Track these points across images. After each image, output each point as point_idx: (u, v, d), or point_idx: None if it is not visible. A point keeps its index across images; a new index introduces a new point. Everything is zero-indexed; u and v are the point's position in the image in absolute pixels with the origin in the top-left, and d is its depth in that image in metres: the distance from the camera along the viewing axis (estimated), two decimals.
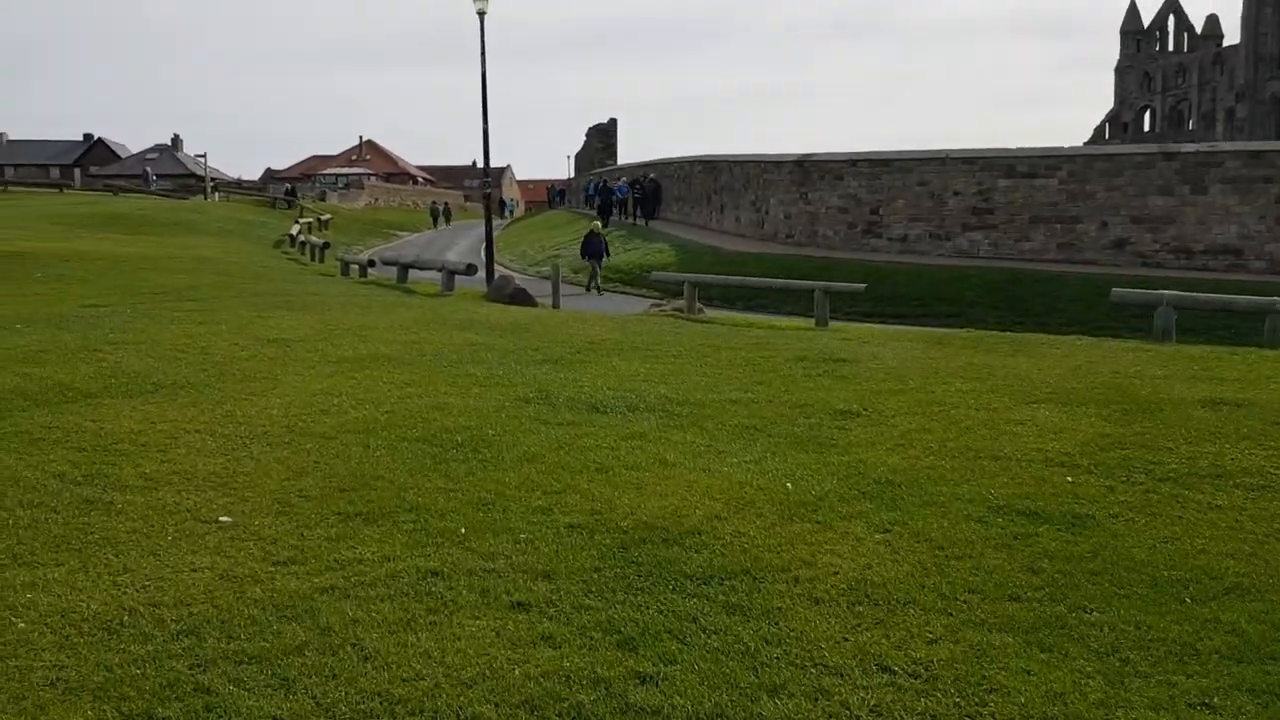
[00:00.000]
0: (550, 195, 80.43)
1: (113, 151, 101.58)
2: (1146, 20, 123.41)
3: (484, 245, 49.19)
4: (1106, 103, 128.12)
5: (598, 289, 25.29)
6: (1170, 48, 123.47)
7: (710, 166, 36.00)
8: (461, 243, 50.59)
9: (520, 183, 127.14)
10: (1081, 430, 7.94)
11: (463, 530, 5.41)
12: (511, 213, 78.41)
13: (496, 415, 8.29)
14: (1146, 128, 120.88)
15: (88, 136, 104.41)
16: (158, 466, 6.65)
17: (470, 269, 21.25)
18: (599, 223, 27.79)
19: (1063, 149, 23.73)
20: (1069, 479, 6.68)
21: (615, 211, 46.28)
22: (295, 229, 39.62)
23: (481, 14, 21.99)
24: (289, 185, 62.82)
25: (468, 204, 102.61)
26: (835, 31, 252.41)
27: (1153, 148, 23.23)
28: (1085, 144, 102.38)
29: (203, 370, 10.02)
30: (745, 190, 31.93)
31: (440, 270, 21.55)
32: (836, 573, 4.95)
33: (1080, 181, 22.78)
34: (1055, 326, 19.52)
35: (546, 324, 14.78)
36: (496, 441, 7.42)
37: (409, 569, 4.85)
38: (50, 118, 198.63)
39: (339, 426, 7.85)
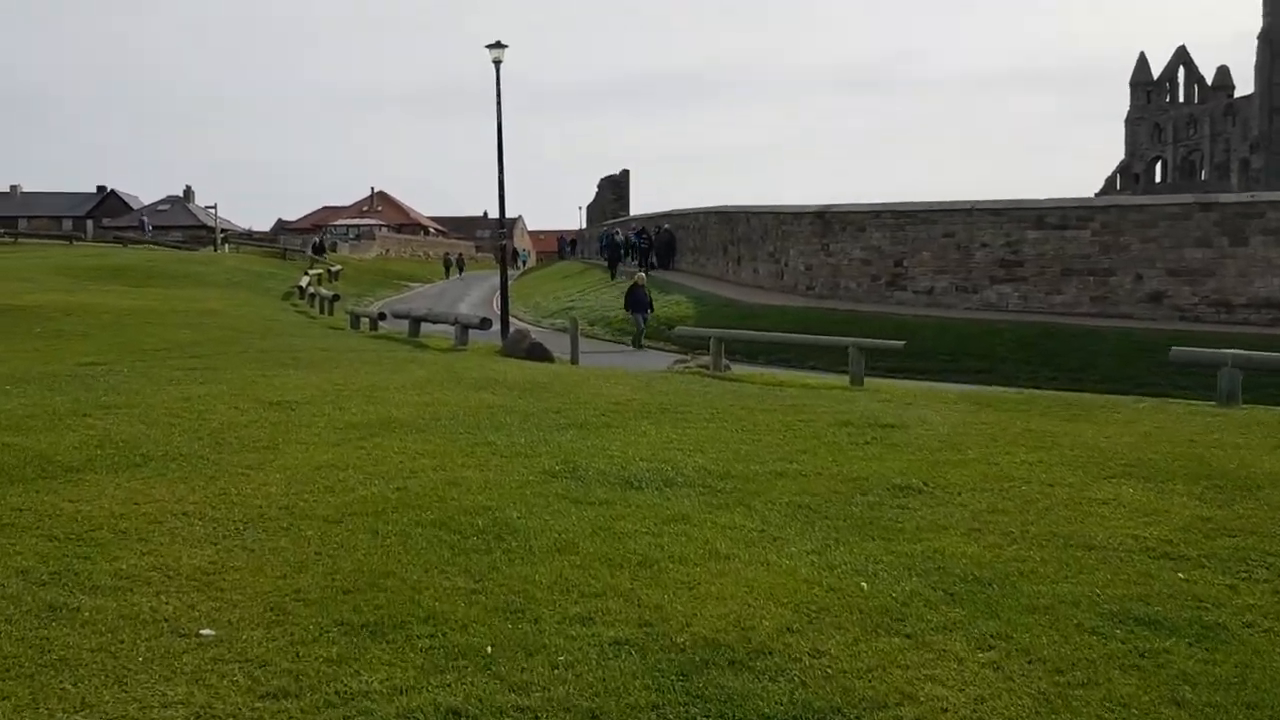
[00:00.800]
0: (561, 246, 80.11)
1: (125, 203, 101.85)
2: (1156, 72, 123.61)
3: (497, 296, 48.87)
4: (1109, 155, 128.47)
5: (639, 344, 24.13)
6: (1180, 99, 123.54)
7: (726, 217, 35.41)
8: (474, 293, 50.04)
9: (531, 233, 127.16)
10: (1175, 512, 7.07)
11: (489, 649, 4.56)
12: (524, 263, 78.07)
13: (520, 493, 7.46)
14: (1158, 178, 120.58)
15: (101, 188, 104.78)
16: (137, 560, 5.82)
17: (485, 323, 20.51)
18: (642, 274, 26.38)
19: (1095, 200, 23.03)
20: (1180, 575, 5.81)
21: (635, 261, 45.66)
22: (305, 280, 39.06)
23: (497, 63, 21.47)
24: (318, 240, 62.32)
25: (479, 254, 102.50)
26: (840, 87, 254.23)
27: (1189, 198, 22.50)
28: (1097, 195, 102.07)
29: (198, 439, 9.22)
30: (763, 241, 31.28)
31: (454, 324, 20.82)
32: (945, 709, 4.08)
33: (1114, 233, 22.04)
34: (1091, 383, 18.69)
35: (567, 382, 13.99)
36: (523, 526, 6.58)
37: (426, 706, 4.00)
38: (64, 170, 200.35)
39: (345, 507, 7.02)
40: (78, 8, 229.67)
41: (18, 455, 8.33)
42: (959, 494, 7.69)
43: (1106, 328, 21.06)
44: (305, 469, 8.15)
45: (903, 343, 15.29)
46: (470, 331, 20.60)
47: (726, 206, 36.06)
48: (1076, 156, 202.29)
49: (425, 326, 22.45)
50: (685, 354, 18.52)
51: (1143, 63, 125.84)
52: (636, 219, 53.34)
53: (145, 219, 71.61)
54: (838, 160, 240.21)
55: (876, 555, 6.14)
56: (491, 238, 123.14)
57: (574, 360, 17.96)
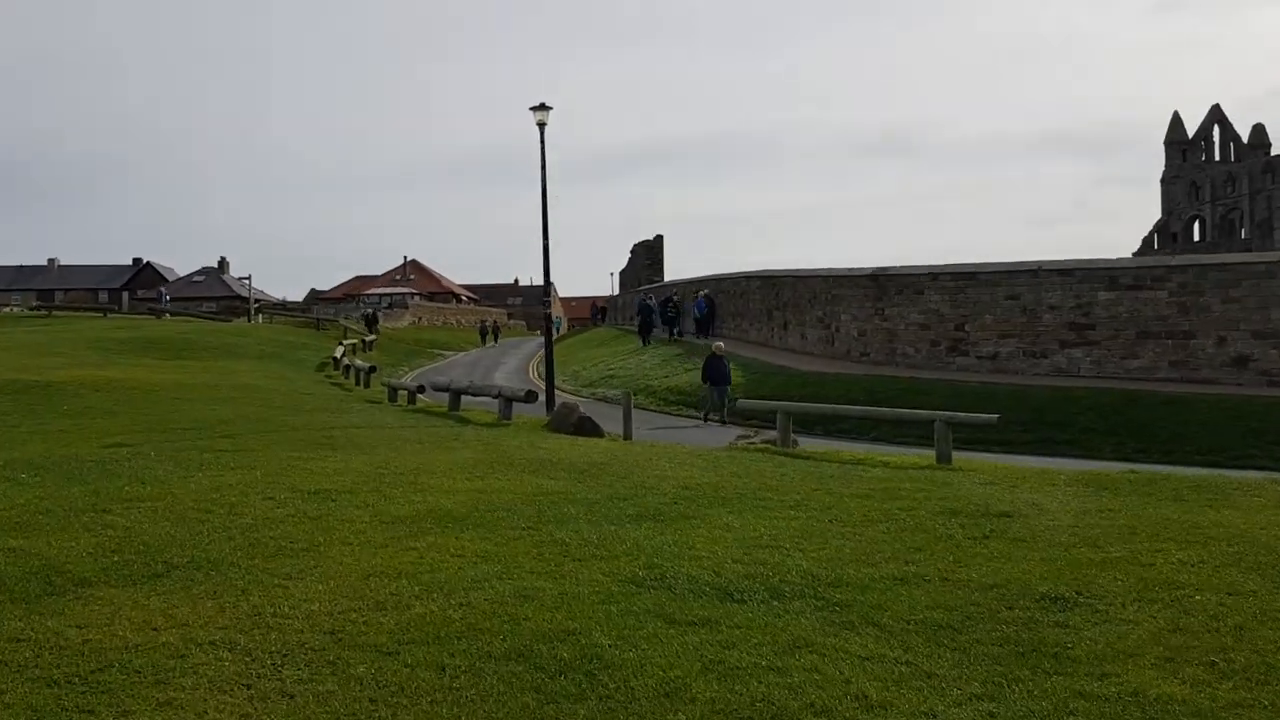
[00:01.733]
0: (594, 312, 79.44)
1: (160, 274, 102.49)
2: (1190, 130, 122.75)
3: (533, 364, 48.01)
4: (1139, 217, 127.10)
5: (722, 420, 21.67)
6: (1216, 157, 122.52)
7: (770, 281, 34.41)
8: (509, 361, 49.17)
9: (563, 299, 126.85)
10: None
11: None
12: (558, 330, 77.36)
13: (604, 609, 6.30)
14: (1196, 238, 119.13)
15: (137, 260, 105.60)
16: (151, 714, 4.70)
17: (530, 395, 19.46)
18: (720, 343, 24.29)
19: (1172, 259, 21.84)
20: None
21: (666, 328, 44.70)
22: (339, 351, 38.34)
23: (542, 125, 20.72)
24: (370, 311, 62.02)
25: (511, 321, 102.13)
26: (869, 151, 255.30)
27: (1274, 256, 21.25)
28: (1134, 255, 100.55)
29: (229, 539, 8.14)
30: (811, 306, 30.20)
31: (497, 397, 19.78)
32: None
33: (1193, 294, 20.80)
34: (1184, 455, 17.31)
35: (626, 464, 12.87)
36: (616, 659, 5.43)
37: None
38: (102, 243, 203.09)
39: (400, 631, 5.89)
40: (118, 80, 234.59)
41: (23, 564, 7.27)
42: (1122, 606, 6.47)
43: (1193, 395, 19.71)
44: (351, 578, 7.04)
45: (996, 416, 14.07)
46: (514, 405, 19.56)
47: (770, 270, 35.08)
48: (1107, 219, 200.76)
49: (466, 399, 21.45)
50: (748, 429, 17.34)
51: (1177, 122, 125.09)
52: (673, 284, 52.46)
53: (162, 290, 71.54)
54: (867, 225, 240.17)
55: (1065, 700, 4.93)
56: (524, 305, 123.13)
57: (627, 436, 16.85)
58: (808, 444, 16.19)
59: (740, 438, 15.67)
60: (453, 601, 6.46)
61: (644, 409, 26.61)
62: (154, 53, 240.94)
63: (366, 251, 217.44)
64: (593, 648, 5.59)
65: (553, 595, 6.61)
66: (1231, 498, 9.91)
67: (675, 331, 40.94)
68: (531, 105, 20.55)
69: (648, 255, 70.78)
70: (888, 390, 22.45)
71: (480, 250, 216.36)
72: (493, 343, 64.70)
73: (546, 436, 16.90)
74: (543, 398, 20.88)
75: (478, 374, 40.38)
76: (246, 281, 66.60)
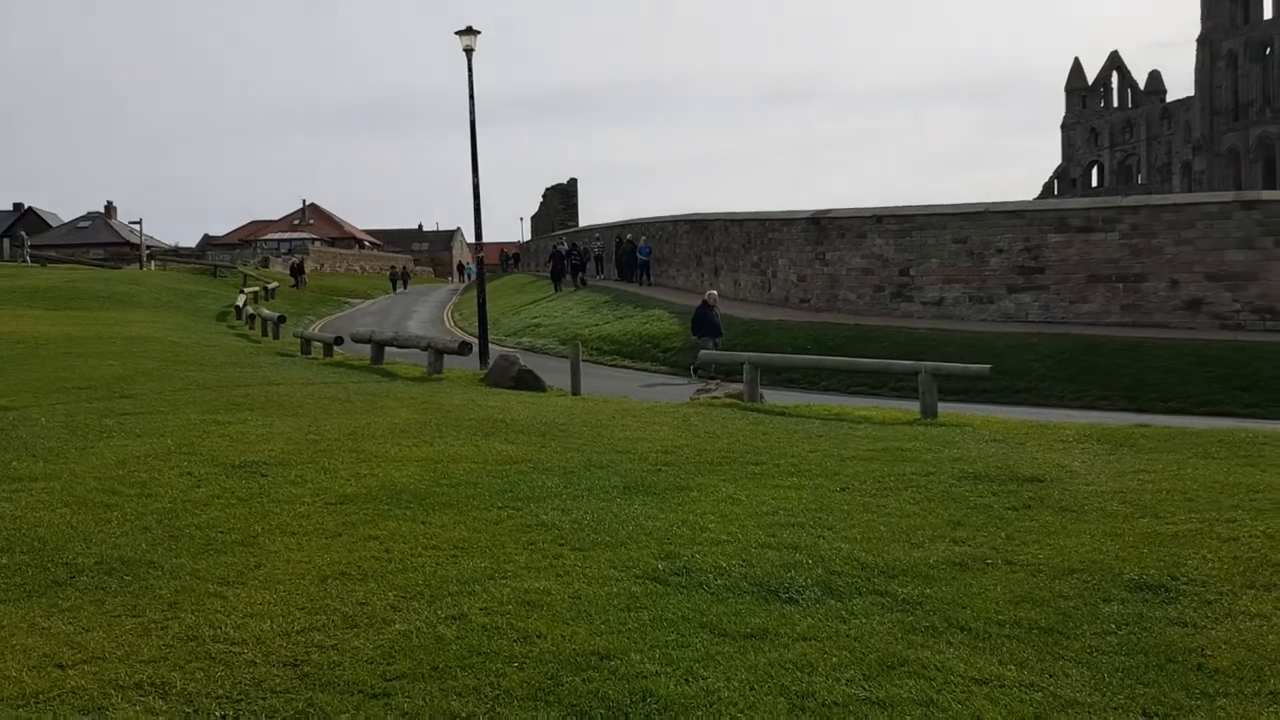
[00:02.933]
0: (504, 259, 77.45)
1: (44, 220, 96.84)
2: (1090, 77, 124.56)
3: (447, 312, 46.07)
4: (1034, 163, 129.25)
5: (712, 375, 19.25)
6: (1115, 104, 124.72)
7: (700, 226, 33.23)
8: (422, 309, 47.28)
9: (470, 245, 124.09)
10: None
11: None
12: (469, 276, 75.11)
13: (633, 619, 5.10)
14: (1095, 183, 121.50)
15: (18, 205, 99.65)
16: None
17: (465, 347, 18.01)
18: (713, 292, 22.28)
19: (1123, 200, 21.25)
20: None
21: (572, 275, 43.37)
22: (241, 299, 36.07)
23: (469, 50, 19.01)
24: (298, 260, 58.53)
25: (418, 268, 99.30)
26: (771, 98, 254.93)
27: (1228, 196, 20.81)
28: (1036, 199, 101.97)
29: (144, 530, 6.70)
30: (745, 251, 29.14)
31: (426, 349, 18.27)
32: None
33: (1145, 235, 20.24)
34: (1147, 402, 16.80)
35: (586, 422, 11.63)
36: (674, 696, 4.23)
37: None
38: None
39: (384, 660, 4.60)
40: None
41: None
42: (1234, 595, 5.51)
43: (1146, 340, 19.19)
44: (305, 581, 5.70)
45: (988, 367, 13.15)
46: (445, 357, 18.10)
47: (699, 213, 33.88)
48: (1005, 165, 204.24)
49: (390, 351, 19.89)
50: (707, 383, 16.17)
51: (1077, 69, 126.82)
52: (593, 229, 50.97)
53: (23, 234, 66.62)
54: (769, 172, 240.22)
55: None
56: (430, 250, 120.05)
57: (575, 390, 15.58)
58: (782, 400, 15.10)
59: (700, 390, 14.53)
60: (441, 613, 5.18)
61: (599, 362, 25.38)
62: None
63: (261, 196, 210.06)
64: (638, 679, 4.38)
65: (563, 600, 5.38)
66: (1265, 453, 9.11)
67: (580, 279, 41.18)
68: (457, 29, 18.84)
69: (562, 200, 68.95)
70: (834, 337, 21.57)
71: (382, 195, 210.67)
72: (403, 289, 62.49)
73: (486, 392, 15.56)
74: (474, 350, 19.40)
75: (390, 323, 38.50)
76: (137, 227, 62.89)
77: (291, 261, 57.86)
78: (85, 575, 5.77)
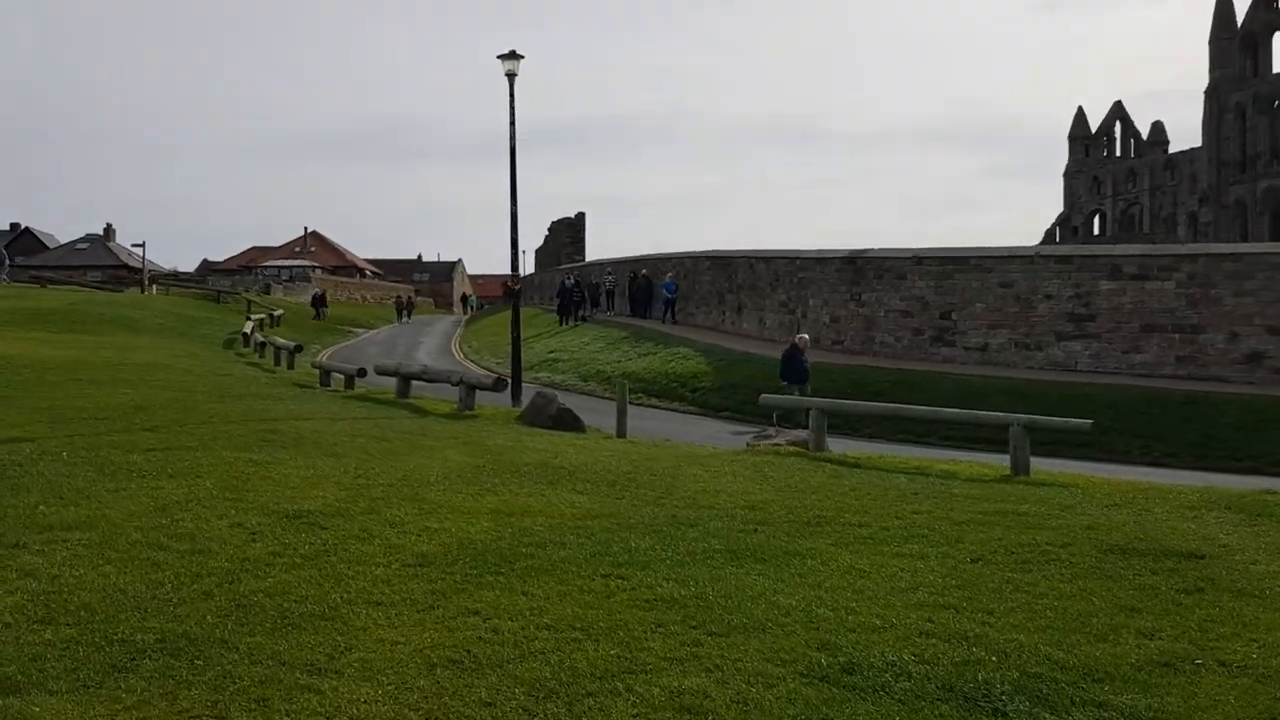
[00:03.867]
0: (506, 292, 76.76)
1: (41, 241, 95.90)
2: (1094, 125, 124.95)
3: (455, 344, 45.00)
4: (1030, 210, 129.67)
5: (793, 424, 17.43)
6: (1118, 153, 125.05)
7: (723, 262, 32.49)
8: (428, 340, 46.38)
9: (471, 277, 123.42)
10: None
11: None
12: (473, 309, 74.45)
13: None
14: (1096, 231, 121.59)
15: (14, 226, 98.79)
16: None
17: (500, 384, 17.14)
18: (804, 336, 19.91)
19: (1180, 247, 20.56)
20: None
21: (598, 307, 42.93)
22: (249, 326, 35.16)
23: (511, 76, 18.28)
24: (319, 292, 57.72)
25: (418, 298, 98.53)
26: (766, 137, 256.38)
27: None
28: (1038, 245, 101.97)
29: (206, 597, 5.80)
30: (773, 289, 28.37)
31: (458, 384, 17.38)
32: None
33: (1203, 285, 19.51)
34: (1219, 460, 16.01)
35: (650, 470, 10.76)
36: None
37: None
38: None
39: None
40: None
41: None
42: None
43: (1206, 393, 18.40)
44: (410, 670, 4.80)
45: (1089, 423, 12.30)
46: (477, 393, 17.22)
47: (722, 251, 33.15)
48: (995, 211, 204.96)
49: (417, 385, 19.01)
50: (755, 427, 15.27)
51: (1080, 117, 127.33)
52: (601, 264, 50.27)
53: (4, 250, 65.07)
54: (767, 210, 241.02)
55: None
56: (431, 281, 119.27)
57: (620, 432, 14.69)
58: (853, 450, 14.14)
59: (758, 436, 13.67)
60: None
61: (597, 396, 24.51)
62: (34, 8, 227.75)
63: (260, 223, 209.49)
64: None
65: (728, 707, 4.48)
66: None
67: (581, 314, 41.13)
68: (500, 54, 18.13)
69: (569, 233, 68.32)
70: (875, 382, 20.75)
71: (382, 225, 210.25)
72: (407, 319, 61.77)
73: (527, 432, 14.67)
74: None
75: (398, 353, 37.67)
76: (138, 250, 62.03)
77: (313, 292, 56.91)
78: (148, 658, 4.86)
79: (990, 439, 16.55)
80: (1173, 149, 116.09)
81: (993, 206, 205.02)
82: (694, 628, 5.52)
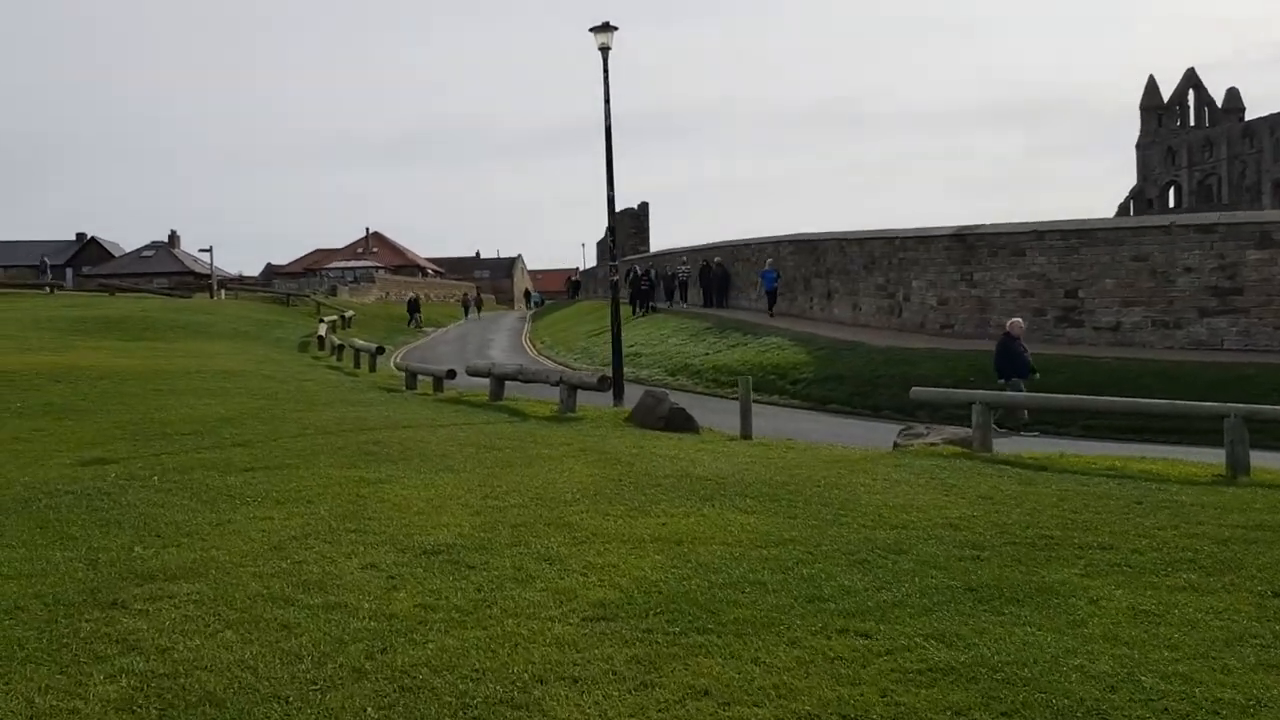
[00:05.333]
0: (569, 285, 75.90)
1: (106, 250, 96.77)
2: (1166, 95, 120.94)
3: (525, 339, 43.83)
4: (1086, 186, 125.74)
5: (1021, 426, 15.48)
6: (1192, 122, 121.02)
7: (809, 246, 30.94)
8: (499, 337, 45.40)
9: (531, 272, 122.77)
10: None
11: None
12: (537, 304, 73.60)
13: None
14: (1172, 204, 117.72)
15: (80, 235, 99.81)
16: None
17: (604, 383, 15.85)
18: (1018, 320, 16.93)
19: None
20: None
21: (673, 299, 41.68)
22: (323, 328, 34.36)
23: (605, 49, 16.98)
24: (414, 296, 56.82)
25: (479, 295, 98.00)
26: (809, 122, 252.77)
27: None
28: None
29: (360, 676, 4.56)
30: (868, 273, 26.80)
31: (558, 384, 16.13)
32: None
33: None
34: None
35: (808, 479, 9.41)
36: None
37: None
38: (42, 217, 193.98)
39: None
40: (54, 49, 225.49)
41: None
42: None
43: None
44: None
45: None
46: (579, 393, 15.96)
47: (807, 234, 31.60)
48: (1060, 189, 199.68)
49: (511, 386, 17.81)
50: (904, 424, 13.75)
51: (1152, 86, 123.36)
52: (669, 253, 48.88)
53: (45, 258, 65.14)
54: (822, 196, 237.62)
55: None
56: (491, 278, 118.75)
57: (745, 433, 13.33)
58: (1027, 449, 12.66)
59: (907, 434, 12.23)
60: None
61: (690, 392, 23.17)
62: (91, 19, 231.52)
63: (320, 224, 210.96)
64: None
65: None
66: None
67: (650, 305, 40.43)
68: (592, 26, 16.84)
69: (633, 223, 67.00)
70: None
71: (439, 224, 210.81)
72: (476, 315, 61.22)
73: (642, 435, 13.36)
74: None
75: (470, 350, 36.76)
76: (205, 256, 61.84)
77: (408, 297, 56.15)
78: None
79: (1159, 429, 14.95)
80: (1249, 116, 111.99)
81: (1048, 185, 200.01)
82: (1009, 716, 4.15)
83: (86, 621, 5.29)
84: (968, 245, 22.69)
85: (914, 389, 13.48)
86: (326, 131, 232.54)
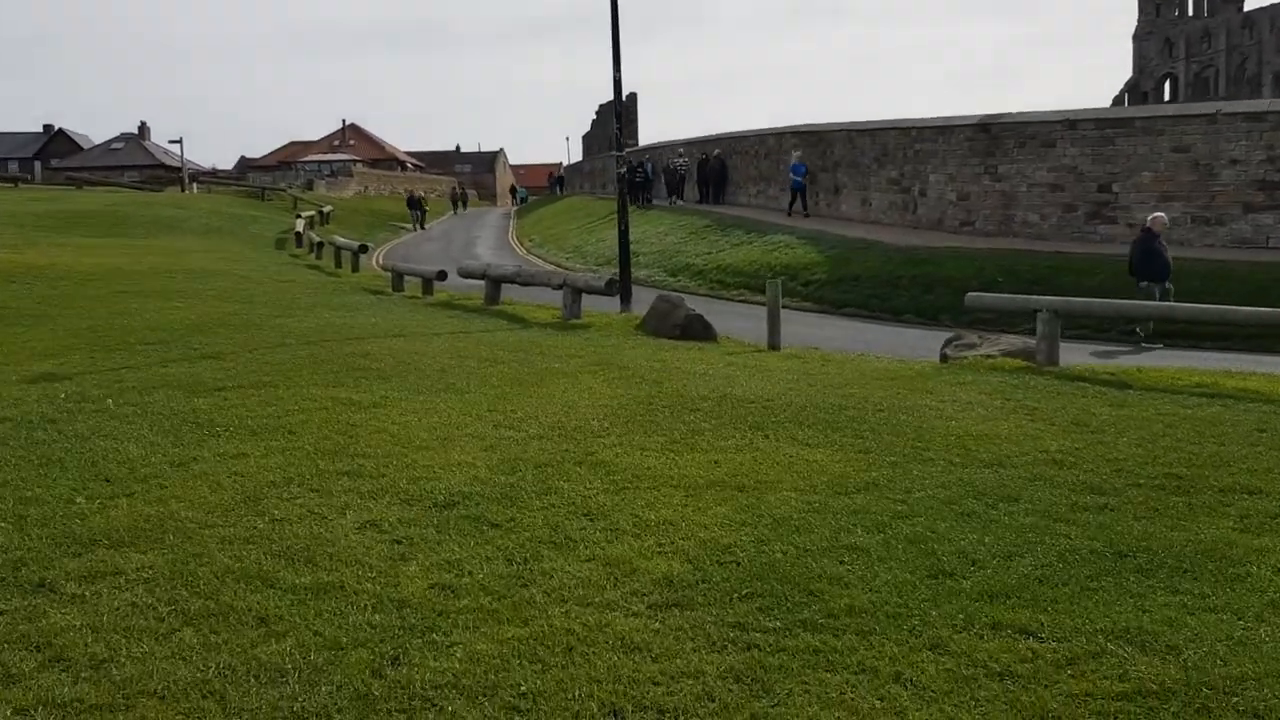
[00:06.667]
0: (551, 181, 73.62)
1: (75, 142, 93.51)
2: None
3: (511, 235, 42.14)
4: (1080, 78, 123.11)
5: (1142, 334, 14.13)
6: (1190, 12, 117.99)
7: (814, 138, 29.25)
8: (484, 234, 43.80)
9: (513, 167, 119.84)
10: None
11: None
12: (523, 200, 71.45)
13: None
14: (1167, 97, 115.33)
15: (48, 128, 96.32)
16: None
17: (612, 286, 14.45)
18: (1161, 214, 15.10)
19: None
20: None
21: (673, 194, 39.90)
22: (300, 224, 32.69)
23: None
24: (458, 187, 52.91)
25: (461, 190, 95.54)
26: (794, 16, 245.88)
27: None
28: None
29: (367, 709, 3.33)
30: (879, 167, 25.26)
31: (561, 287, 14.76)
32: None
33: None
34: None
35: (865, 400, 8.20)
36: None
37: None
38: (6, 108, 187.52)
39: None
40: None
41: None
42: None
43: None
44: None
45: None
46: (584, 297, 14.61)
47: (812, 125, 29.90)
48: (1055, 80, 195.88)
49: (508, 288, 16.43)
50: (954, 333, 12.39)
51: None
52: (661, 146, 46.98)
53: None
54: (814, 87, 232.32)
55: None
56: (473, 172, 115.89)
57: (773, 344, 12.06)
58: (1085, 361, 11.46)
59: (956, 344, 10.97)
60: None
61: (693, 294, 21.82)
62: None
63: (296, 117, 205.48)
64: None
65: None
66: None
67: (646, 198, 38.51)
68: None
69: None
70: (1031, 268, 17.88)
71: (417, 115, 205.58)
72: (462, 210, 59.60)
73: (658, 345, 12.09)
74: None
75: (455, 249, 35.22)
76: (175, 148, 59.38)
77: (408, 194, 53.13)
78: None
79: (1231, 335, 13.73)
80: (1248, 6, 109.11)
81: (1041, 77, 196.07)
82: None
83: (10, 608, 4.04)
84: (992, 136, 21.18)
85: (969, 294, 12.17)
86: (300, 19, 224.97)
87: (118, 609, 4.05)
